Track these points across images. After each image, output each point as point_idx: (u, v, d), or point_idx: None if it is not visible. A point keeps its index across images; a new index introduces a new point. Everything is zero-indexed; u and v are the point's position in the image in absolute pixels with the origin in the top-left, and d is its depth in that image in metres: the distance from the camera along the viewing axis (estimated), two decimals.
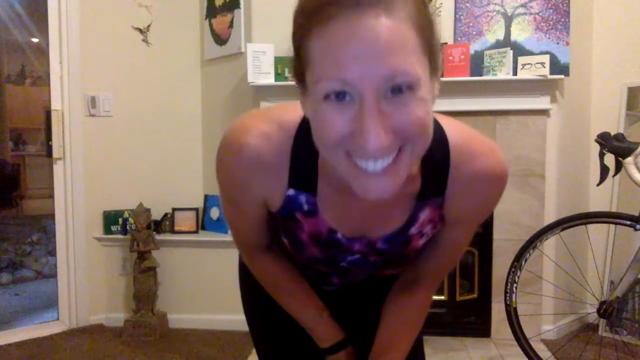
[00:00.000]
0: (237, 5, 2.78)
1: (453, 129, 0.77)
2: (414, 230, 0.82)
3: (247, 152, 0.74)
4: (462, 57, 2.49)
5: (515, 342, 2.21)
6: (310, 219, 0.81)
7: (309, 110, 0.65)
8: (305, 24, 0.61)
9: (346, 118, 0.59)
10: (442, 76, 2.52)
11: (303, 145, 0.74)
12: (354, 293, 1.05)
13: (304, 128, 0.74)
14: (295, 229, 0.83)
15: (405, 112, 0.58)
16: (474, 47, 2.57)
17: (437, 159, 0.75)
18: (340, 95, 0.58)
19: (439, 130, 0.75)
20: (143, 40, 3.00)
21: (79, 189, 2.85)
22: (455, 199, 0.80)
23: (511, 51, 2.47)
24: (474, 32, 2.59)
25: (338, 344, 0.96)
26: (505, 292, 2.20)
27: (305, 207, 0.80)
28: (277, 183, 0.78)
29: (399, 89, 0.57)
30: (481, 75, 2.53)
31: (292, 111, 0.76)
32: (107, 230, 2.91)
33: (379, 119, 0.57)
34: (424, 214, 0.81)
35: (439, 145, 0.75)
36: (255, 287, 0.98)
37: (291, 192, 0.78)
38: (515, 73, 2.49)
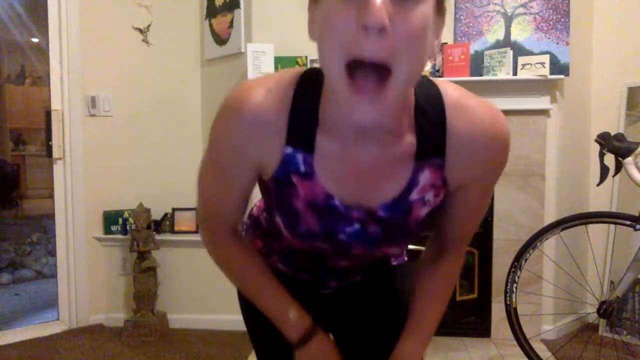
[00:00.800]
0: (237, 5, 2.78)
1: (450, 88, 0.77)
2: (414, 195, 0.79)
3: (249, 108, 0.74)
4: (462, 57, 2.49)
5: (515, 342, 2.21)
6: (306, 181, 0.78)
7: (318, 21, 0.66)
8: None
9: (353, 14, 0.60)
10: (442, 76, 2.53)
11: (303, 97, 0.75)
12: (350, 298, 1.04)
13: (303, 81, 0.76)
14: (290, 196, 0.80)
15: (405, 17, 0.60)
16: (474, 47, 2.57)
17: (431, 114, 0.75)
18: None
19: (433, 87, 0.76)
20: (143, 40, 3.00)
21: (79, 189, 2.85)
22: (456, 158, 0.77)
23: (511, 51, 2.47)
24: (474, 32, 2.59)
25: (307, 333, 0.90)
26: (505, 292, 2.20)
27: (302, 168, 0.77)
28: (275, 142, 0.76)
29: None
30: (481, 75, 2.53)
31: (291, 71, 0.78)
32: (107, 230, 2.91)
33: (382, 5, 0.59)
34: (424, 177, 0.78)
35: (433, 101, 0.75)
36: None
37: (289, 149, 0.77)
38: (515, 73, 2.49)
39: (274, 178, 0.80)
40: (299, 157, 0.77)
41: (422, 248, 0.99)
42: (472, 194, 0.83)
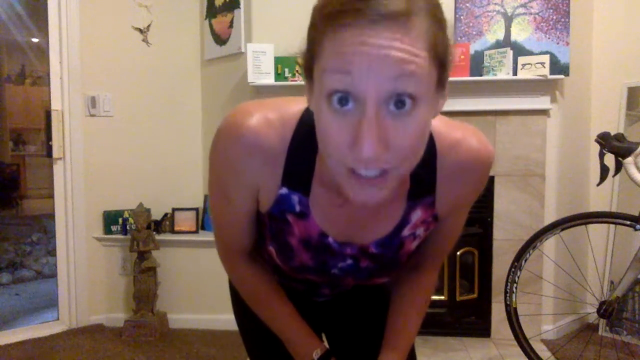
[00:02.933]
0: (237, 5, 2.78)
1: (441, 123, 0.77)
2: (406, 232, 0.81)
3: (247, 134, 0.72)
4: (462, 57, 2.49)
5: (515, 342, 2.21)
6: (301, 221, 0.79)
7: (313, 108, 0.65)
8: (321, 25, 0.60)
9: (346, 127, 0.59)
10: None
11: (302, 141, 0.73)
12: (343, 303, 1.05)
13: (304, 123, 0.74)
14: (285, 233, 0.81)
15: (402, 132, 0.58)
16: (474, 47, 2.57)
17: (424, 154, 0.72)
18: (343, 100, 0.58)
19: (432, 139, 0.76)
20: (143, 40, 3.00)
21: (79, 189, 2.85)
22: (445, 191, 0.79)
23: (511, 51, 2.47)
24: (474, 32, 2.59)
25: (324, 354, 0.91)
26: (505, 292, 2.20)
27: (297, 208, 0.78)
28: (271, 176, 0.76)
29: (402, 102, 0.57)
30: (481, 75, 2.53)
31: (295, 104, 0.76)
32: (107, 230, 2.91)
33: (376, 129, 0.57)
34: (416, 215, 0.80)
35: (432, 149, 0.76)
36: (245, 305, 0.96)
37: (284, 190, 0.77)
38: (515, 73, 2.49)
39: (269, 214, 0.80)
40: (295, 198, 0.77)
41: None
42: (451, 219, 0.85)
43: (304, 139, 0.73)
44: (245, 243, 0.88)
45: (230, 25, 2.84)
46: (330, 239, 0.81)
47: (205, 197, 3.07)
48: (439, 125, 0.76)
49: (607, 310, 2.01)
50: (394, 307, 0.95)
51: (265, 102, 0.78)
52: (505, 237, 2.61)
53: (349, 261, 0.84)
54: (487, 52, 2.52)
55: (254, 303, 0.94)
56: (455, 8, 2.59)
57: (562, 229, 2.12)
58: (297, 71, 2.63)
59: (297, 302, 0.94)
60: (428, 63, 0.58)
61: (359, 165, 0.60)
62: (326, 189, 0.76)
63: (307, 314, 0.95)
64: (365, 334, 1.03)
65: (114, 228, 2.92)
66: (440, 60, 0.60)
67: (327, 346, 0.94)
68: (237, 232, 0.86)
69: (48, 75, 2.79)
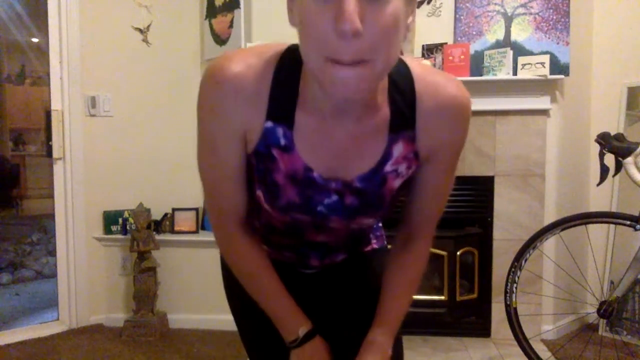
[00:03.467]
0: (237, 5, 2.78)
1: (417, 65, 0.82)
2: (388, 167, 0.83)
3: (230, 78, 0.76)
4: (462, 57, 2.49)
5: (515, 342, 2.21)
6: (286, 154, 0.81)
7: (297, 16, 0.69)
8: None
9: (329, 13, 0.63)
10: None
11: (284, 73, 0.78)
12: (333, 281, 1.06)
13: (285, 59, 0.78)
14: (271, 171, 0.82)
15: (377, 16, 0.63)
16: (474, 47, 2.57)
17: (403, 90, 0.80)
18: None
19: (403, 66, 0.81)
20: (143, 40, 3.00)
21: (79, 189, 2.85)
22: (425, 129, 0.82)
23: (511, 51, 2.47)
24: (474, 32, 2.59)
25: (305, 336, 0.93)
26: (505, 292, 2.20)
27: (282, 142, 0.80)
28: (256, 114, 0.78)
29: None
30: (481, 75, 2.53)
31: (275, 46, 0.80)
32: (107, 230, 2.91)
33: (355, 6, 0.62)
34: (398, 149, 0.82)
35: (404, 78, 0.80)
36: (241, 290, 0.96)
37: (269, 124, 0.79)
38: (515, 73, 2.49)
39: (255, 152, 0.82)
40: (279, 131, 0.79)
41: None
42: (434, 172, 0.87)
43: (286, 74, 0.77)
44: (237, 203, 0.88)
45: (230, 25, 2.84)
46: (315, 174, 0.82)
47: None
48: (419, 67, 0.82)
49: (607, 310, 2.01)
50: (385, 284, 0.96)
51: (247, 49, 0.84)
52: (505, 237, 2.61)
53: (334, 197, 0.85)
54: (487, 52, 2.52)
55: (245, 278, 0.95)
56: (455, 8, 2.59)
57: (562, 229, 2.12)
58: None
59: (286, 277, 0.95)
60: None
61: (340, 45, 0.63)
62: (310, 116, 0.79)
63: (297, 290, 0.96)
64: (350, 311, 1.04)
65: (114, 228, 2.92)
66: None
67: (312, 324, 0.95)
68: (227, 189, 0.86)
69: (48, 75, 2.79)
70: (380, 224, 1.13)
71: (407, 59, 0.82)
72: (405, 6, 0.67)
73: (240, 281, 0.95)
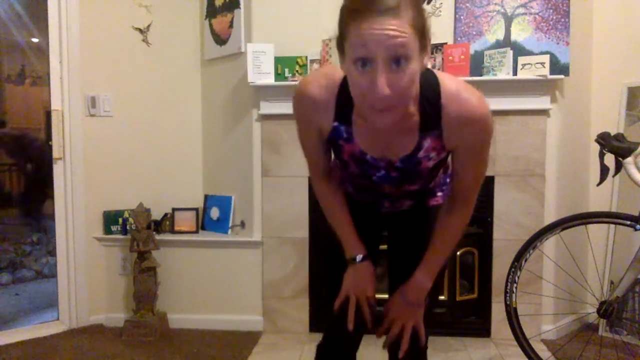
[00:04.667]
0: (237, 5, 2.78)
1: (448, 80, 1.11)
2: (421, 154, 1.16)
3: (308, 97, 1.17)
4: (462, 57, 2.49)
5: (515, 342, 2.21)
6: (348, 144, 1.20)
7: (345, 70, 1.03)
8: (347, 18, 0.98)
9: (367, 79, 0.95)
10: None
11: (344, 93, 1.10)
12: (399, 222, 1.42)
13: (345, 81, 1.08)
14: (340, 152, 1.23)
15: (399, 78, 0.95)
16: (474, 47, 2.57)
17: (431, 100, 1.09)
18: (363, 63, 0.95)
19: (434, 79, 1.10)
20: (143, 40, 3.00)
21: (79, 189, 2.85)
22: (449, 134, 1.12)
23: (511, 51, 2.47)
24: (474, 32, 2.59)
25: (360, 258, 1.30)
26: (505, 292, 2.20)
27: (345, 135, 1.19)
28: (327, 117, 1.17)
29: (398, 61, 0.93)
30: (481, 75, 2.53)
31: (339, 70, 1.13)
32: (107, 230, 2.92)
33: (384, 77, 0.94)
34: (427, 143, 1.14)
35: (433, 91, 1.09)
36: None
37: (336, 124, 1.18)
38: (515, 73, 2.49)
39: (329, 140, 1.23)
40: (342, 128, 1.18)
41: None
42: (466, 155, 1.16)
43: (345, 91, 1.07)
44: (321, 164, 1.31)
45: (230, 25, 2.84)
46: (368, 156, 1.20)
47: (205, 196, 3.07)
48: (447, 80, 1.11)
49: (607, 310, 2.01)
50: (432, 238, 1.27)
51: (319, 72, 1.31)
52: (505, 237, 2.61)
53: (382, 172, 1.23)
54: (487, 52, 2.52)
55: (325, 210, 1.36)
56: (455, 8, 2.59)
57: (562, 229, 2.12)
58: (296, 71, 2.63)
59: (366, 214, 1.38)
60: (413, 35, 0.94)
61: (375, 102, 0.97)
62: (361, 120, 1.14)
63: (372, 223, 1.40)
64: (410, 250, 1.34)
65: (114, 228, 2.93)
66: (421, 32, 0.97)
67: (366, 251, 1.32)
68: (314, 155, 1.30)
69: (48, 75, 2.79)
70: (448, 179, 1.34)
71: (439, 74, 1.12)
72: (419, 58, 0.97)
73: (324, 212, 1.37)
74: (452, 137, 1.12)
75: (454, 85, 1.09)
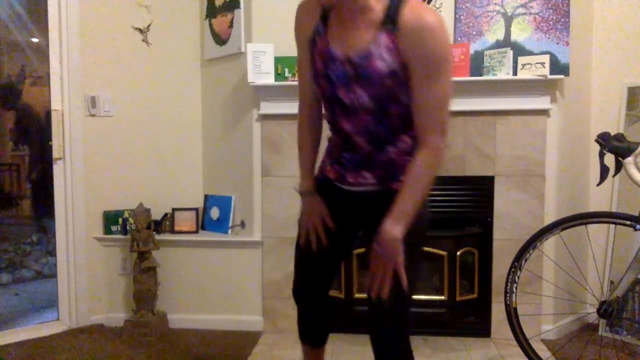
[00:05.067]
0: (237, 5, 2.78)
1: (421, 10, 1.17)
2: (375, 49, 1.21)
3: (300, 7, 1.41)
4: (462, 57, 2.49)
5: (515, 342, 2.21)
6: (321, 39, 1.32)
7: None
8: None
9: None
10: None
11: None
12: (362, 202, 1.42)
13: None
14: (314, 53, 1.33)
15: None
16: (474, 47, 2.57)
17: (394, 3, 1.19)
18: None
19: (401, 2, 1.19)
20: (143, 40, 3.00)
21: (79, 189, 2.85)
22: (404, 38, 1.17)
23: (511, 51, 2.47)
24: (474, 32, 2.59)
25: (309, 192, 1.51)
26: (505, 292, 2.20)
27: (321, 30, 1.32)
28: (312, 20, 1.34)
29: None
30: (481, 75, 2.53)
31: None
32: (107, 230, 2.92)
33: None
34: (382, 39, 1.20)
35: (399, 2, 1.19)
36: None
37: (319, 22, 1.33)
38: (515, 73, 2.49)
39: (310, 41, 1.35)
40: (321, 26, 1.32)
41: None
42: (420, 72, 1.18)
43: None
44: (306, 99, 1.48)
45: (230, 25, 2.84)
46: (332, 47, 1.29)
47: (205, 196, 3.07)
48: (415, 5, 1.18)
49: (607, 310, 2.02)
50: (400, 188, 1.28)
51: None
52: (505, 237, 2.61)
53: (339, 66, 1.27)
54: (487, 52, 2.52)
55: (298, 141, 1.54)
56: (455, 8, 2.60)
57: (562, 229, 2.13)
58: (296, 71, 2.63)
59: (332, 193, 1.47)
60: None
61: None
62: (335, 18, 1.29)
63: (337, 203, 1.47)
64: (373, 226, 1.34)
65: (114, 228, 2.93)
66: None
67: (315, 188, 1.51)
68: (301, 82, 1.47)
69: (48, 75, 2.79)
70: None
71: (413, 4, 1.18)
72: None
73: (298, 136, 1.54)
74: (406, 42, 1.17)
75: (418, 2, 1.20)
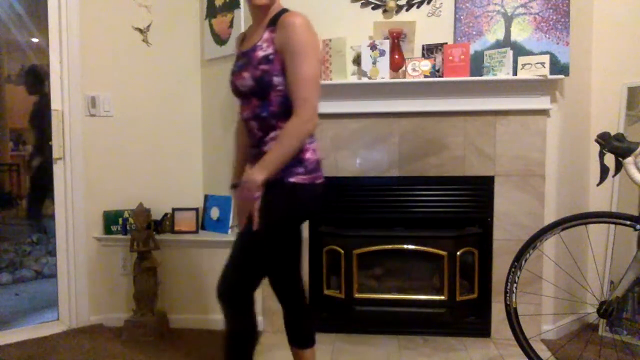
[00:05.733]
0: (237, 5, 2.78)
1: (292, 13, 1.52)
2: (260, 43, 1.54)
3: (238, 36, 1.80)
4: (462, 57, 2.49)
5: (515, 342, 2.21)
6: (239, 49, 1.69)
7: None
8: None
9: None
10: (442, 76, 2.53)
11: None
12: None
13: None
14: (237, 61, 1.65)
15: None
16: (474, 47, 2.57)
17: (279, 13, 1.55)
18: None
19: (287, 11, 1.56)
20: (143, 40, 3.00)
21: (79, 189, 2.85)
22: (278, 33, 1.51)
23: (511, 51, 2.47)
24: (474, 32, 2.59)
25: (233, 185, 1.79)
26: (505, 292, 2.20)
27: (242, 38, 1.73)
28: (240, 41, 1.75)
29: None
30: (481, 75, 2.53)
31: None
32: (107, 230, 2.92)
33: None
34: (266, 35, 1.55)
35: (282, 12, 1.56)
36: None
37: (241, 41, 1.73)
38: (515, 73, 2.49)
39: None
40: (240, 42, 1.74)
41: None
42: (288, 57, 1.49)
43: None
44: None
45: (230, 25, 2.84)
46: (240, 50, 1.65)
47: (205, 196, 3.07)
48: (292, 13, 1.51)
49: (607, 310, 2.01)
50: None
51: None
52: (505, 237, 2.61)
53: (239, 61, 1.61)
54: (487, 52, 2.52)
55: (235, 137, 1.86)
56: (455, 8, 2.60)
57: (562, 229, 2.12)
58: None
59: None
60: None
61: None
62: (250, 28, 1.69)
63: None
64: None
65: (114, 228, 2.93)
66: None
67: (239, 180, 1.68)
68: None
69: (48, 75, 2.79)
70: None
71: (292, 11, 1.53)
72: None
73: (235, 135, 1.86)
74: (279, 35, 1.50)
75: (296, 16, 1.49)
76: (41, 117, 3.89)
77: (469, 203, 2.64)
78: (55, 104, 2.78)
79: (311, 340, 1.74)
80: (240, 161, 1.80)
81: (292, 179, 1.52)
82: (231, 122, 2.90)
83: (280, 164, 1.47)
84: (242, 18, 2.77)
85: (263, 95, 1.53)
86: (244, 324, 1.60)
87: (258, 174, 1.46)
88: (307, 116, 1.47)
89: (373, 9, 2.65)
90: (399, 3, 2.62)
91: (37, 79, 4.19)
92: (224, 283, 1.60)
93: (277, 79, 1.51)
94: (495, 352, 2.50)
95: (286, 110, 1.51)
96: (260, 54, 1.51)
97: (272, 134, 1.55)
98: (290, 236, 1.63)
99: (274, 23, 1.53)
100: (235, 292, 1.59)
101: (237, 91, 1.61)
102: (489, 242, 2.63)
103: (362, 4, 2.65)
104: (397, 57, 2.54)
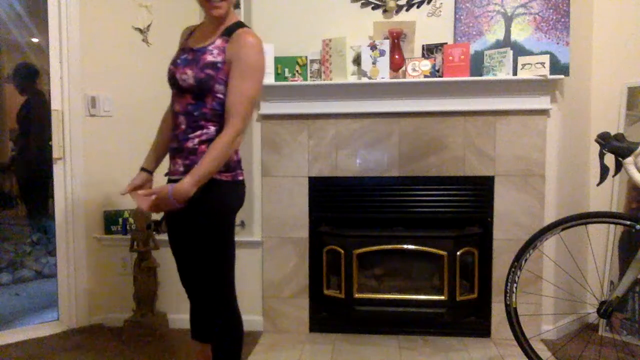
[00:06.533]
0: (237, 5, 2.78)
1: (246, 30, 1.61)
2: (211, 47, 1.61)
3: (184, 30, 1.86)
4: (462, 57, 2.49)
5: (515, 342, 2.21)
6: (185, 42, 1.75)
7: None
8: None
9: None
10: (442, 76, 2.53)
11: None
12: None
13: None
14: (178, 51, 1.76)
15: None
16: (474, 47, 2.57)
17: (235, 25, 1.63)
18: None
19: (244, 25, 1.65)
20: (143, 40, 3.00)
21: (79, 189, 2.85)
22: (230, 45, 1.58)
23: (511, 51, 2.47)
24: (474, 32, 2.59)
25: (142, 169, 1.98)
26: (505, 292, 2.20)
27: (187, 39, 1.76)
28: (187, 35, 1.81)
29: None
30: (481, 75, 2.53)
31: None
32: (107, 230, 2.91)
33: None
34: (218, 42, 1.61)
35: (240, 25, 1.63)
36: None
37: (188, 35, 1.78)
38: (515, 73, 2.49)
39: (181, 46, 1.81)
40: (187, 36, 1.79)
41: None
42: (234, 71, 1.56)
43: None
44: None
45: None
46: (188, 44, 1.70)
47: None
48: (246, 31, 1.61)
49: (607, 310, 2.01)
50: None
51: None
52: (505, 237, 2.61)
53: (185, 55, 1.66)
54: (487, 52, 2.52)
55: (161, 122, 1.95)
56: (455, 8, 2.60)
57: (562, 229, 2.12)
58: (296, 71, 2.63)
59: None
60: None
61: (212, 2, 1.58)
62: (197, 32, 1.73)
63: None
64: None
65: (114, 228, 2.92)
66: None
67: (150, 168, 1.98)
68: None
69: (48, 75, 2.79)
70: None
71: (248, 28, 1.63)
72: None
73: (161, 123, 1.94)
74: (231, 47, 1.57)
75: (250, 31, 1.61)
76: (30, 116, 3.90)
77: (469, 203, 2.64)
78: (55, 104, 2.78)
79: (212, 336, 1.77)
80: (159, 148, 1.92)
81: (216, 177, 1.59)
82: None
83: (210, 175, 1.54)
84: (242, 18, 2.76)
85: (200, 96, 1.60)
86: (236, 328, 1.77)
87: (189, 186, 1.52)
88: (240, 130, 1.56)
89: (373, 9, 2.65)
90: (399, 3, 2.62)
91: (26, 78, 4.17)
92: (199, 318, 1.80)
93: (218, 87, 1.58)
94: (495, 352, 2.50)
95: (217, 115, 1.59)
96: (209, 58, 1.58)
97: (197, 133, 1.62)
98: (219, 229, 1.68)
99: (229, 34, 1.59)
100: (213, 299, 1.73)
101: (174, 83, 1.66)
102: (489, 242, 2.63)
103: (362, 4, 2.65)
104: (397, 57, 2.55)
